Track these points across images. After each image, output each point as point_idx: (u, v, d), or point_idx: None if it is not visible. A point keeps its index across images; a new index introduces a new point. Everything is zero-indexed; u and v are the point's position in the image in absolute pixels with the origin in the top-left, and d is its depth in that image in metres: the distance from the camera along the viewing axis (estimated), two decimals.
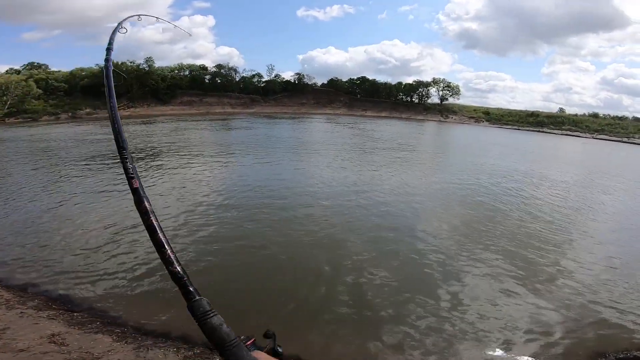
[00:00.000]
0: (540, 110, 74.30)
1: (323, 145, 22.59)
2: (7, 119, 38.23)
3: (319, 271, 6.22)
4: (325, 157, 17.70)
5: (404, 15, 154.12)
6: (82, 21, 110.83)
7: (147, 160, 15.54)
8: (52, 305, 4.88)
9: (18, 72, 51.80)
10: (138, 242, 6.93)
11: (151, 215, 0.89)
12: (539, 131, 58.11)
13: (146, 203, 0.90)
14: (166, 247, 0.86)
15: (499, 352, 4.48)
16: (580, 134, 56.88)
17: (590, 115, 71.93)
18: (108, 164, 14.31)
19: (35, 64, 56.94)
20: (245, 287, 5.71)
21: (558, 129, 59.89)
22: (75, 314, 4.72)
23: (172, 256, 0.85)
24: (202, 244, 7.15)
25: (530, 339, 4.73)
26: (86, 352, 3.71)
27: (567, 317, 5.24)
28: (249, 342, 0.87)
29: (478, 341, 4.64)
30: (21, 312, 4.29)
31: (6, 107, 39.46)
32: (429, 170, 16.40)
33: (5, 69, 52.63)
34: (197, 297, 0.81)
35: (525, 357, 4.37)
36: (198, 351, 3.95)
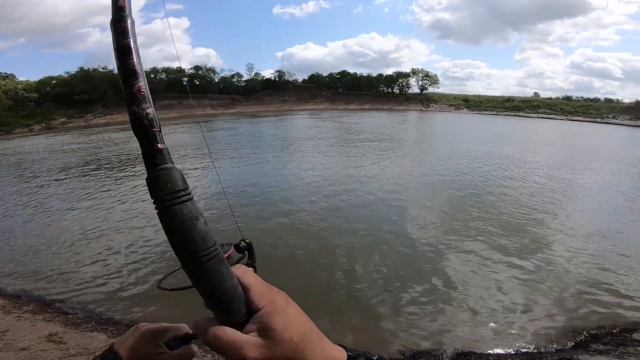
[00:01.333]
0: (516, 96, 76.79)
1: (307, 141, 22.83)
2: None
3: (315, 262, 6.50)
4: (310, 154, 17.93)
5: (379, 9, 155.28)
6: (47, 28, 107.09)
7: (129, 169, 15.48)
8: (47, 310, 5.07)
9: None
10: (129, 247, 7.11)
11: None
12: (515, 115, 60.01)
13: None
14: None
15: (492, 333, 4.63)
16: (556, 117, 59.01)
17: (563, 99, 74.63)
18: (92, 173, 14.23)
19: (3, 74, 54.88)
20: None
21: (534, 113, 62.00)
22: (69, 315, 4.93)
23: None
24: None
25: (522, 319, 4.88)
26: (83, 348, 3.95)
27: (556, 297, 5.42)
28: (228, 253, 0.60)
29: (473, 322, 4.83)
30: (18, 316, 4.48)
31: None
32: (415, 160, 16.79)
33: None
34: (170, 165, 0.46)
35: (518, 337, 4.53)
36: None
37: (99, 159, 17.56)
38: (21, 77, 55.07)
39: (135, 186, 11.68)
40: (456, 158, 16.38)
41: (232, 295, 0.44)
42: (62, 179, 13.30)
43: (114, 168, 15.26)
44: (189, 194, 0.46)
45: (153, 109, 0.48)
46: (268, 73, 73.27)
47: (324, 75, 76.58)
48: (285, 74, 72.91)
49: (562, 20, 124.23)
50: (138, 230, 8.00)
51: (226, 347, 0.41)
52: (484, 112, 63.11)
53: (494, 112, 63.16)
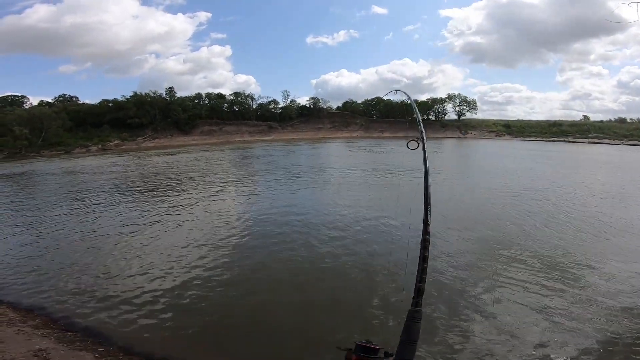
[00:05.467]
0: (563, 119, 71.94)
1: (343, 170, 22.51)
2: (42, 150, 41.48)
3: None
4: (345, 186, 16.86)
5: (409, 35, 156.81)
6: (110, 54, 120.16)
7: (174, 191, 16.32)
8: (50, 325, 5.18)
9: (50, 104, 56.43)
10: (154, 272, 7.10)
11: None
12: (564, 141, 55.83)
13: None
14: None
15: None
16: (609, 141, 54.06)
17: (616, 121, 68.61)
18: (134, 197, 15.15)
19: (67, 96, 61.67)
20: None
21: (584, 137, 57.34)
22: (69, 333, 4.97)
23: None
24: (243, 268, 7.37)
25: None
26: None
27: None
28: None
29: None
30: (19, 330, 4.60)
31: (40, 139, 42.84)
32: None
33: (38, 101, 57.73)
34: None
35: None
36: None
37: (137, 182, 18.80)
38: (84, 100, 61.77)
39: (171, 208, 12.17)
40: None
41: None
42: (110, 204, 14.24)
43: (152, 191, 16.17)
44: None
45: None
46: (303, 100, 75.55)
47: (358, 102, 77.57)
48: (320, 101, 74.80)
49: (599, 38, 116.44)
50: (175, 262, 7.66)
51: None
52: (527, 139, 59.53)
53: (540, 138, 59.35)
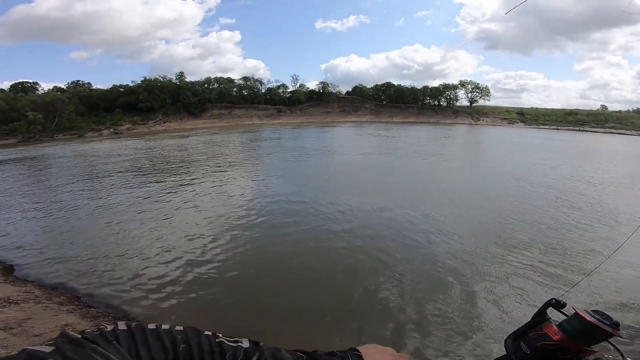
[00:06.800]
0: (579, 109, 69.87)
1: (352, 154, 22.71)
2: (55, 135, 42.28)
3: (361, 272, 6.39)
4: (356, 170, 17.53)
5: (422, 21, 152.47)
6: (121, 40, 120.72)
7: (185, 173, 16.59)
8: (74, 302, 5.47)
9: (63, 90, 57.15)
10: (171, 251, 7.32)
11: None
12: (579, 130, 54.41)
13: None
14: None
15: None
16: (626, 132, 52.46)
17: (634, 111, 66.38)
18: (150, 178, 15.47)
19: (80, 82, 62.36)
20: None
21: (600, 127, 55.73)
22: (92, 309, 5.26)
23: None
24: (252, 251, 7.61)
25: None
26: None
27: None
28: None
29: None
30: (45, 306, 4.89)
31: (54, 124, 43.63)
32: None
33: (51, 87, 58.50)
34: None
35: None
36: None
37: (151, 164, 19.14)
38: (97, 85, 62.50)
39: (200, 193, 12.42)
40: None
41: None
42: (133, 184, 14.57)
43: (165, 173, 16.47)
44: None
45: None
46: (312, 84, 74.84)
47: (368, 87, 76.40)
48: (329, 85, 73.97)
49: (620, 28, 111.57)
50: (191, 241, 7.89)
51: None
52: (542, 127, 58.12)
53: (554, 127, 57.90)
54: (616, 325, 0.69)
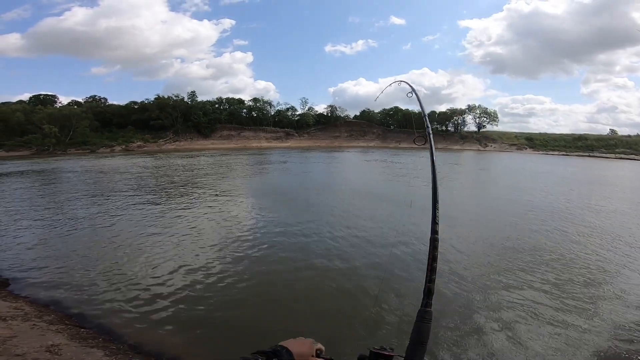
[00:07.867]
0: (587, 133, 69.45)
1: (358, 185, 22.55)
2: (68, 149, 43.17)
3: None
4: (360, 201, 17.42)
5: (429, 45, 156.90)
6: (138, 57, 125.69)
7: (190, 195, 16.51)
8: (64, 321, 5.18)
9: (80, 104, 58.95)
10: (161, 273, 7.07)
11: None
12: (589, 156, 53.65)
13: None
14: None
15: None
16: (637, 157, 51.55)
17: None
18: (155, 199, 15.44)
19: (97, 97, 64.27)
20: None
21: (611, 153, 54.94)
22: (82, 329, 4.96)
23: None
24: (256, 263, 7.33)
25: None
26: None
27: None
28: None
29: None
30: (34, 324, 4.62)
31: (68, 138, 44.67)
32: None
33: (69, 101, 60.46)
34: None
35: None
36: None
37: (162, 183, 19.18)
38: (112, 101, 64.25)
39: (186, 210, 12.28)
40: None
41: None
42: (133, 203, 14.52)
43: (171, 194, 16.44)
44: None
45: None
46: (321, 108, 76.24)
47: (376, 111, 77.42)
48: (337, 109, 75.17)
49: (624, 49, 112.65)
50: (186, 267, 7.47)
51: None
52: (550, 153, 57.57)
53: (564, 153, 57.30)
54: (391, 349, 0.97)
